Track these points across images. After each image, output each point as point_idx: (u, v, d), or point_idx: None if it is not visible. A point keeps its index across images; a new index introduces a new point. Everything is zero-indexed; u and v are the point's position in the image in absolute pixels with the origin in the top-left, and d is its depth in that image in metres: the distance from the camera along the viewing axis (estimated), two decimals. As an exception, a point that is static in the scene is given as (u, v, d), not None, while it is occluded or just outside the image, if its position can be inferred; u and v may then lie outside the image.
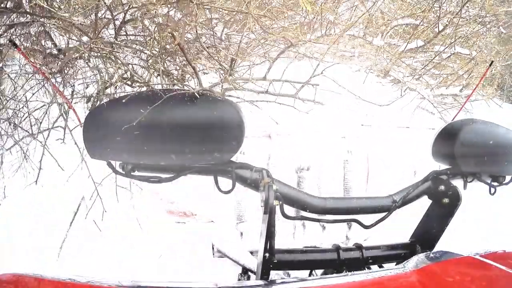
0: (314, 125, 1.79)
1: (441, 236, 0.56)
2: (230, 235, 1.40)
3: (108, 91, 1.82)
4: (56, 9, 1.31)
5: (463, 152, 0.53)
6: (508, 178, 0.57)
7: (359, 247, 0.54)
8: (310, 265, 0.56)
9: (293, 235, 1.48)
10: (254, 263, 1.25)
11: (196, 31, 1.48)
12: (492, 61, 0.96)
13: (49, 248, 1.96)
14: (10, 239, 2.02)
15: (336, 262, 0.52)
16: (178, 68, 2.07)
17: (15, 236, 2.06)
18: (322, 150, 1.59)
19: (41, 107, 1.90)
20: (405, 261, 0.40)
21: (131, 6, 1.37)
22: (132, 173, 0.43)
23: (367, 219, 0.57)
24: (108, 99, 0.42)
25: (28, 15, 1.46)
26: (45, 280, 0.32)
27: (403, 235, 0.61)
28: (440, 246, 0.56)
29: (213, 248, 1.38)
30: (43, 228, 2.15)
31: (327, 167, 1.53)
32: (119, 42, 1.61)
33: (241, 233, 1.41)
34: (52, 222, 2.25)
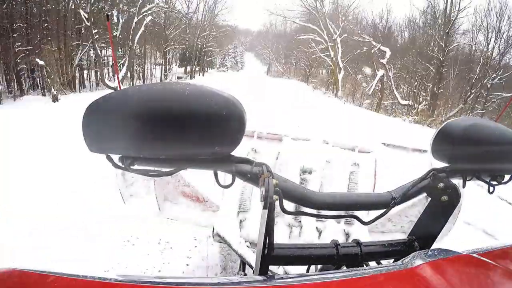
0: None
1: (440, 233, 0.56)
2: (232, 222, 1.37)
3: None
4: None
5: (463, 151, 0.53)
6: (507, 177, 0.57)
7: (357, 243, 0.54)
8: (309, 261, 0.56)
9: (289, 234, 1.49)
10: (251, 255, 1.25)
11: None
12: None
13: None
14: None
15: (335, 258, 0.52)
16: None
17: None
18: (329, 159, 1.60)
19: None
20: (403, 258, 0.40)
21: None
22: (131, 167, 0.43)
23: (366, 215, 0.57)
24: (108, 92, 0.41)
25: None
26: (46, 275, 0.32)
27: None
28: (438, 243, 0.56)
29: (213, 231, 1.38)
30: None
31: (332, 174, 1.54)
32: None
33: (240, 221, 1.40)
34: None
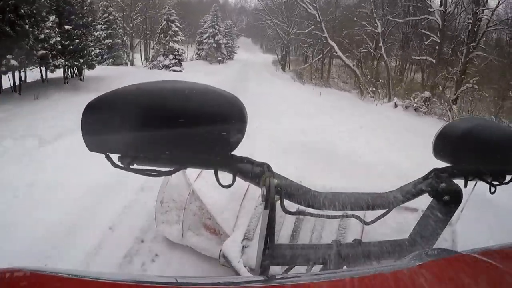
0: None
1: (441, 233, 0.56)
2: (236, 248, 1.47)
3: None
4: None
5: (464, 151, 0.53)
6: (508, 177, 0.57)
7: (359, 243, 0.54)
8: (310, 261, 0.56)
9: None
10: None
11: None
12: None
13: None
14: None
15: (336, 257, 0.52)
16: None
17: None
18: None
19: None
20: (404, 258, 0.40)
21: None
22: (130, 167, 0.43)
23: (368, 215, 0.57)
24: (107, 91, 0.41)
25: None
26: (47, 275, 0.32)
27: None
28: (440, 243, 0.56)
29: (219, 253, 1.47)
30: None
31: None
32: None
33: (243, 247, 1.48)
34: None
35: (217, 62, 25.95)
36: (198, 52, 28.10)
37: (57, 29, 6.41)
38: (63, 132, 3.71)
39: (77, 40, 7.11)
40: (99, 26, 15.93)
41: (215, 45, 27.39)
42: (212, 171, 0.46)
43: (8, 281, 0.31)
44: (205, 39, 27.56)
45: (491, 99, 10.70)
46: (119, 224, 2.13)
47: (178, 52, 17.57)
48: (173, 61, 17.28)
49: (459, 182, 0.55)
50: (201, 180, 1.79)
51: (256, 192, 1.65)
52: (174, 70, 16.48)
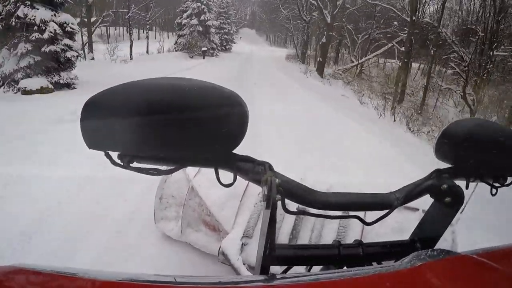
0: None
1: (442, 235, 0.56)
2: (235, 246, 1.48)
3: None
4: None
5: (466, 152, 0.53)
6: (510, 179, 0.57)
7: (359, 244, 0.54)
8: (311, 261, 0.56)
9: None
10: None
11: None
12: None
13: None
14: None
15: (336, 258, 0.52)
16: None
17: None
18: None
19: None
20: (403, 258, 0.40)
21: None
22: (130, 165, 0.42)
23: (368, 215, 0.57)
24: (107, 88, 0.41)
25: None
26: (47, 273, 0.32)
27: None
28: (440, 244, 0.56)
29: (219, 251, 1.47)
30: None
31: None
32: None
33: (242, 245, 1.48)
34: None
35: (200, 55, 15.78)
36: (178, 40, 18.48)
37: None
38: None
39: None
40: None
41: (200, 29, 17.36)
42: (212, 169, 0.46)
43: (8, 279, 0.31)
44: (186, 19, 17.48)
45: None
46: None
47: (42, 28, 6.63)
48: (32, 61, 6.66)
49: (461, 183, 0.54)
50: (200, 177, 1.79)
51: (255, 189, 1.65)
52: (26, 91, 6.12)
